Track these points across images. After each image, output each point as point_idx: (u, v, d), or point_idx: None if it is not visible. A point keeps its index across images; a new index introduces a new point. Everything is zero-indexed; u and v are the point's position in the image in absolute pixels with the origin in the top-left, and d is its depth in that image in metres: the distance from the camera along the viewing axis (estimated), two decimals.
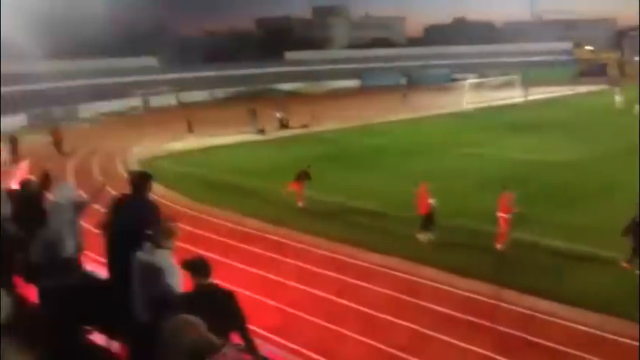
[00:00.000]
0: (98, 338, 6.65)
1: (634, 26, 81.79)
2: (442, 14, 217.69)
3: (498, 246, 12.68)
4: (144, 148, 29.74)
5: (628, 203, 12.22)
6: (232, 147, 29.55)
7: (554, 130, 29.87)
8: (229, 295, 4.64)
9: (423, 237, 13.38)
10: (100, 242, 5.94)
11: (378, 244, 13.40)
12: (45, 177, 7.93)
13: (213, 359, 3.12)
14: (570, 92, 53.01)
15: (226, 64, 67.88)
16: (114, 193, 7.95)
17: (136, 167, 22.43)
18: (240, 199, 18.27)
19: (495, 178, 18.01)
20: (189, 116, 36.86)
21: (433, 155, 24.51)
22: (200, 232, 14.55)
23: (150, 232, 4.96)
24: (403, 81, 70.89)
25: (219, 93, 61.54)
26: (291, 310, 10.28)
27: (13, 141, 27.93)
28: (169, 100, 57.44)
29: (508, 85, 52.16)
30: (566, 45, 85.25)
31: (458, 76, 64.17)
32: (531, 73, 59.24)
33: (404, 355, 8.71)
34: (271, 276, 11.81)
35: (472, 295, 10.56)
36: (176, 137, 33.03)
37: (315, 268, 12.20)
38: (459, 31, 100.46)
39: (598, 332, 9.14)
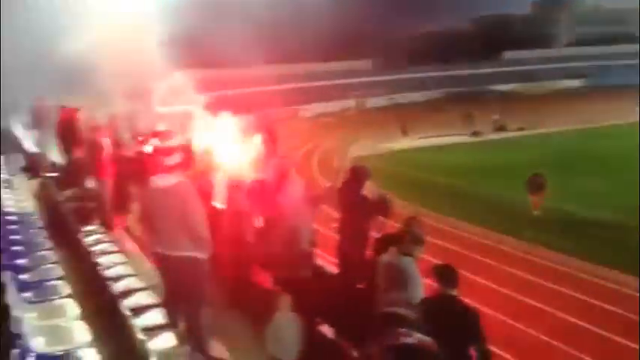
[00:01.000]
0: (327, 331, 6.83)
1: None
2: None
3: None
4: (359, 147, 30.63)
5: None
6: (446, 149, 29.07)
7: None
8: (473, 314, 4.36)
9: None
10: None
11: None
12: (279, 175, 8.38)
13: None
14: None
15: (441, 64, 67.13)
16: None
17: (348, 165, 23.11)
18: (460, 203, 17.67)
19: None
20: (402, 118, 37.15)
21: None
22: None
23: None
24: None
25: (434, 94, 61.08)
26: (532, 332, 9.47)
27: None
28: (383, 101, 58.52)
29: None
30: None
31: None
32: None
33: None
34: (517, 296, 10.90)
35: None
36: (390, 138, 33.48)
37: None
38: None
39: None
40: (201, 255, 5.32)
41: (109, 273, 6.23)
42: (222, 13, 19.24)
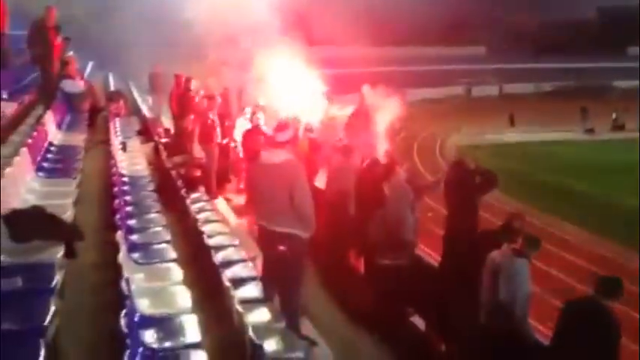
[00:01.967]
0: (419, 322, 6.66)
1: None
2: None
3: None
4: (462, 136, 29.73)
5: None
6: (557, 144, 27.60)
7: None
8: (618, 331, 4.04)
9: None
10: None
11: None
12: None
13: None
14: None
15: (558, 56, 63.59)
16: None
17: (452, 154, 22.50)
18: (569, 205, 16.65)
19: None
20: (512, 108, 35.68)
21: None
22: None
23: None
24: None
25: (547, 86, 58.12)
26: None
27: None
28: (492, 90, 56.43)
29: None
30: None
31: None
32: None
33: None
34: None
35: None
36: (496, 129, 32.25)
37: None
38: None
39: None
40: (304, 233, 5.29)
41: (211, 242, 6.38)
42: None
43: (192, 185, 9.05)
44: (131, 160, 9.35)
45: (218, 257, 5.87)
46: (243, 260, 6.02)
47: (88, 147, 9.67)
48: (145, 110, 15.49)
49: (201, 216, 7.40)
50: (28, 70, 12.15)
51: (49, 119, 9.81)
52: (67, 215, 5.55)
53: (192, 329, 4.08)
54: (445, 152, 24.88)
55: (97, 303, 4.82)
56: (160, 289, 4.71)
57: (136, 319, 3.95)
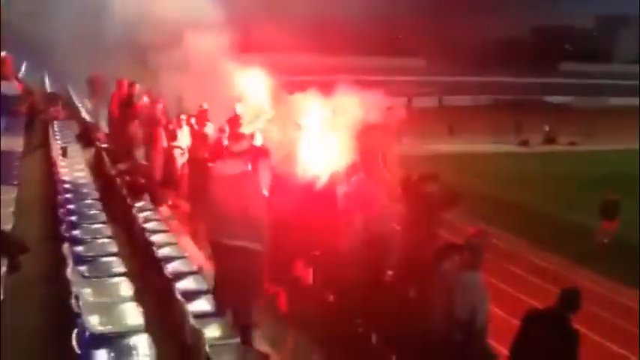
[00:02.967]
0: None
1: None
2: None
3: None
4: (404, 146, 30.16)
5: None
6: (493, 156, 28.47)
7: None
8: (577, 342, 4.15)
9: None
10: None
11: None
12: None
13: None
14: None
15: (495, 70, 65.85)
16: None
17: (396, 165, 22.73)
18: (516, 219, 16.89)
19: None
20: (450, 120, 36.60)
21: None
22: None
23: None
24: None
25: (483, 100, 59.92)
26: None
27: None
28: (431, 102, 57.69)
29: None
30: None
31: None
32: None
33: None
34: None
35: None
36: (436, 139, 32.94)
37: None
38: None
39: None
40: (258, 247, 5.20)
41: (160, 253, 6.20)
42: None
43: (137, 193, 8.78)
44: (72, 166, 9.01)
45: (168, 269, 5.71)
46: (194, 272, 5.88)
47: (26, 152, 9.24)
48: (85, 114, 14.97)
49: (148, 225, 7.18)
50: None
51: None
52: (8, 226, 5.27)
53: (144, 349, 3.94)
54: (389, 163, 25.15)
55: (45, 320, 4.58)
56: (109, 304, 4.53)
57: (86, 337, 3.78)
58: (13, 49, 14.30)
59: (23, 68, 18.55)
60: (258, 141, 8.60)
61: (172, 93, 13.18)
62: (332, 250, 6.43)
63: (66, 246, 4.86)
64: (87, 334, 3.83)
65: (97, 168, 10.24)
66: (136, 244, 6.93)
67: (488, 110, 53.46)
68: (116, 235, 6.37)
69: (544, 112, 41.54)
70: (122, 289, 4.83)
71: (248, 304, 5.35)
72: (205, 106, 11.76)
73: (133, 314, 4.38)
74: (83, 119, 14.31)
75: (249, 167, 5.39)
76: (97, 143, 11.94)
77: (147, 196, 9.06)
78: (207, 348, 4.24)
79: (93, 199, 7.38)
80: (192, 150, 10.92)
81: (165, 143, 10.70)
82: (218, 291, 5.38)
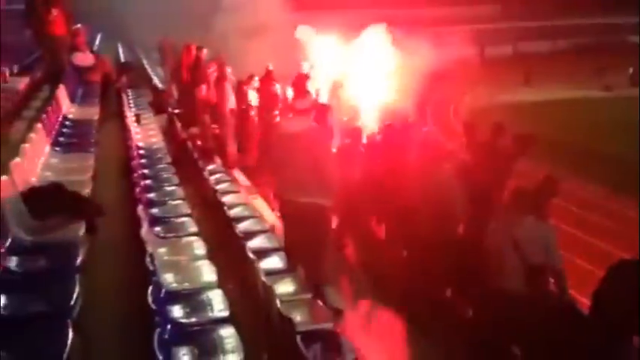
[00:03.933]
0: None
1: None
2: None
3: None
4: (476, 97, 29.21)
5: None
6: (573, 102, 27.12)
7: None
8: None
9: None
10: None
11: None
12: None
13: None
14: None
15: (574, 12, 62.07)
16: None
17: (466, 116, 22.12)
18: (600, 168, 16.13)
19: None
20: (527, 68, 35.04)
21: None
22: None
23: None
24: None
25: (563, 44, 56.84)
26: None
27: None
28: (506, 49, 55.28)
29: None
30: None
31: None
32: None
33: None
34: None
35: None
36: (510, 89, 31.67)
37: None
38: None
39: None
40: (327, 202, 5.18)
41: (232, 213, 6.29)
42: None
43: (208, 156, 8.95)
44: (146, 132, 9.24)
45: (240, 229, 5.78)
46: (264, 231, 5.94)
47: (101, 120, 9.55)
48: (157, 81, 15.32)
49: (219, 187, 7.31)
50: None
51: (62, 93, 9.68)
52: (86, 191, 5.47)
53: (219, 304, 4.01)
54: (460, 116, 24.42)
55: (122, 280, 4.77)
56: (184, 263, 4.64)
57: (162, 295, 3.89)
58: (88, 21, 14.73)
59: (98, 40, 19.13)
60: (322, 98, 8.54)
61: (240, 56, 13.28)
62: (403, 204, 6.32)
63: (141, 208, 4.99)
64: (162, 291, 3.93)
65: (169, 133, 10.47)
66: (207, 205, 7.08)
67: (570, 55, 50.73)
68: (188, 197, 6.50)
69: (628, 54, 38.89)
70: (196, 248, 4.93)
71: (319, 260, 5.37)
72: (271, 67, 11.76)
73: (206, 271, 4.47)
74: (155, 86, 14.64)
75: (314, 123, 5.33)
76: (169, 109, 12.21)
77: (218, 159, 9.24)
78: (278, 304, 4.27)
79: (166, 163, 7.55)
80: (261, 110, 11.00)
81: (234, 105, 10.82)
82: (289, 247, 5.42)
